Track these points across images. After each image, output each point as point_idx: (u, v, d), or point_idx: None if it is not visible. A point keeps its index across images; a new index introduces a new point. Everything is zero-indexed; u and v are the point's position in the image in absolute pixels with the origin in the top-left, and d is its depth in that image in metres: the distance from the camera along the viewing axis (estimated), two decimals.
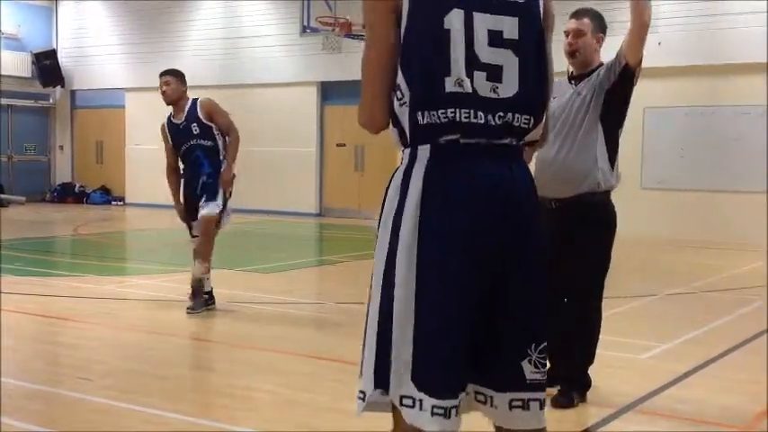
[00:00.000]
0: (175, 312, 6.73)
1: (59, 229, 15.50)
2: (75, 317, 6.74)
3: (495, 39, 2.19)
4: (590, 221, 4.36)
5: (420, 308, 2.14)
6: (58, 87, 20.97)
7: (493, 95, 2.18)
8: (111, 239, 13.88)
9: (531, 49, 2.24)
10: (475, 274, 2.16)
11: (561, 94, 4.40)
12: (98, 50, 20.43)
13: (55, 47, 20.90)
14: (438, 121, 2.16)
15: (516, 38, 2.21)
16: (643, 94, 13.17)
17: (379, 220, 2.27)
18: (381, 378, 2.18)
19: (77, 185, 20.86)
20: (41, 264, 10.27)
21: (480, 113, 2.16)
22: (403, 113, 2.20)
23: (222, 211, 6.78)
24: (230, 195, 6.88)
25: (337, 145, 17.54)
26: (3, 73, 19.55)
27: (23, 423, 4.05)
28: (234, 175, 6.84)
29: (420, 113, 2.17)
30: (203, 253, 6.74)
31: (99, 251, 12.23)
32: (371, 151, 16.68)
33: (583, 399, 4.47)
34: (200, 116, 6.72)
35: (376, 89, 2.25)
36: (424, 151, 2.19)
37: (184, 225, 6.97)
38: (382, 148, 15.67)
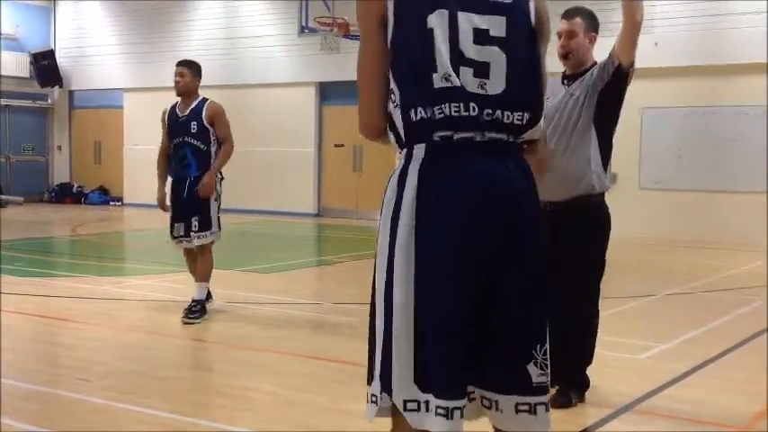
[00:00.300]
0: (174, 313, 6.72)
1: (58, 229, 15.49)
2: (73, 317, 6.73)
3: (481, 36, 2.22)
4: (585, 224, 4.35)
5: (418, 306, 2.15)
6: (56, 87, 20.95)
7: (481, 92, 2.20)
8: (110, 240, 13.86)
9: (521, 47, 2.25)
10: (469, 270, 2.16)
11: (554, 94, 4.39)
12: (96, 51, 20.41)
13: (53, 47, 20.88)
14: (430, 116, 2.18)
15: (503, 36, 2.23)
16: (641, 94, 13.30)
17: (379, 221, 2.28)
18: (387, 381, 2.18)
19: (75, 186, 20.84)
20: (40, 264, 10.26)
21: (472, 105, 2.18)
22: (396, 115, 2.24)
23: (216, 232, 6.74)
24: (219, 199, 6.75)
25: (336, 145, 17.53)
26: (1, 73, 19.53)
27: (22, 423, 4.05)
28: (222, 178, 6.76)
29: (412, 111, 2.20)
30: (204, 275, 6.70)
31: (97, 251, 12.22)
32: (370, 151, 16.67)
33: (581, 399, 4.47)
34: (203, 117, 6.64)
35: (372, 94, 2.29)
36: (419, 150, 2.22)
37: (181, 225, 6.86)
38: (380, 148, 15.56)
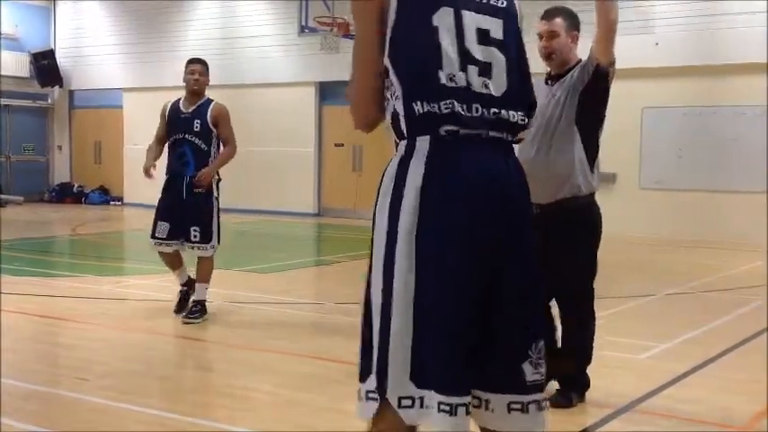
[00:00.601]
0: (174, 313, 6.72)
1: (58, 229, 15.49)
2: (74, 317, 6.73)
3: (483, 37, 2.25)
4: (574, 225, 4.32)
5: (419, 305, 2.13)
6: (56, 87, 20.95)
7: (485, 91, 2.21)
8: (110, 239, 13.86)
9: (515, 49, 2.30)
10: (472, 268, 2.16)
11: (537, 95, 4.36)
12: (96, 50, 20.41)
13: (53, 47, 20.87)
14: (436, 110, 2.17)
15: (501, 38, 2.27)
16: (641, 94, 13.31)
17: (374, 213, 2.26)
18: (381, 378, 2.15)
19: (76, 185, 20.83)
20: (40, 264, 10.26)
21: (476, 106, 2.19)
22: (398, 105, 2.22)
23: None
24: (218, 203, 6.62)
25: (335, 145, 17.54)
26: (1, 73, 19.52)
27: (22, 423, 4.05)
28: (219, 179, 6.65)
29: (417, 103, 2.18)
30: (205, 276, 6.61)
31: (98, 251, 12.22)
32: (369, 151, 16.67)
33: (581, 399, 4.47)
34: (208, 117, 6.53)
35: (372, 85, 2.27)
36: (423, 142, 2.19)
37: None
38: (380, 147, 15.66)
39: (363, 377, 2.22)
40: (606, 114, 4.44)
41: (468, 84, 2.19)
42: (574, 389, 4.44)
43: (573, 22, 4.38)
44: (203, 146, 6.55)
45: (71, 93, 21.22)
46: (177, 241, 6.59)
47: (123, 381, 4.89)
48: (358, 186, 17.12)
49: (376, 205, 2.25)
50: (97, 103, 20.81)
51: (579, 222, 4.35)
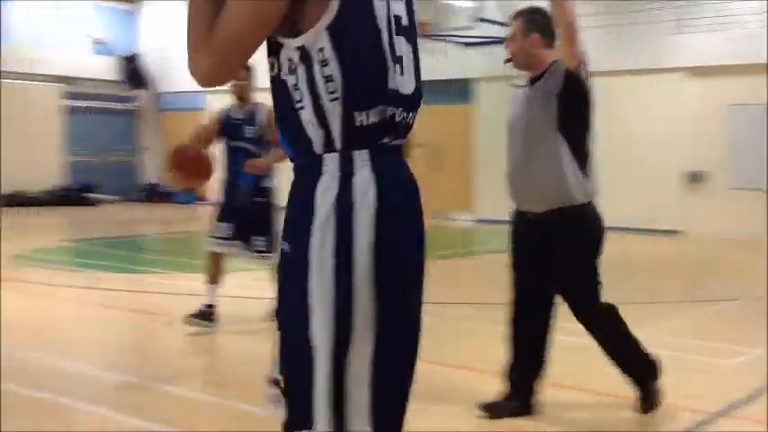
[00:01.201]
0: (259, 310, 6.81)
1: (147, 227, 15.91)
2: (161, 312, 6.88)
3: (399, 26, 1.94)
4: (569, 232, 4.12)
5: (381, 342, 1.88)
6: (144, 90, 21.51)
7: (403, 91, 1.93)
8: (198, 237, 14.14)
9: (415, 37, 2.00)
10: (416, 290, 1.99)
11: (518, 104, 4.22)
12: (180, 52, 20.83)
13: (139, 50, 21.44)
14: (379, 121, 1.87)
15: (408, 24, 1.97)
16: (725, 91, 12.89)
17: (295, 231, 1.93)
18: (339, 425, 1.88)
19: (163, 185, 21.37)
20: (130, 260, 10.55)
21: (401, 111, 1.93)
22: (333, 111, 1.85)
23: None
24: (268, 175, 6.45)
25: None
26: (90, 77, 20.20)
27: (120, 414, 4.19)
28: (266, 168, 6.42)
29: (362, 114, 1.85)
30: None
31: (186, 248, 12.48)
32: None
33: (657, 401, 4.25)
34: (261, 121, 6.37)
35: (248, 51, 1.98)
36: (362, 157, 1.86)
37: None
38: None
39: (303, 426, 1.89)
40: (591, 116, 4.14)
41: (398, 85, 1.91)
42: (643, 391, 4.25)
43: (534, 25, 4.13)
44: (256, 151, 6.39)
45: (158, 95, 21.77)
46: (237, 243, 6.37)
47: (207, 376, 5.00)
48: None
49: (309, 229, 1.87)
50: (182, 106, 21.27)
51: (575, 230, 4.14)
